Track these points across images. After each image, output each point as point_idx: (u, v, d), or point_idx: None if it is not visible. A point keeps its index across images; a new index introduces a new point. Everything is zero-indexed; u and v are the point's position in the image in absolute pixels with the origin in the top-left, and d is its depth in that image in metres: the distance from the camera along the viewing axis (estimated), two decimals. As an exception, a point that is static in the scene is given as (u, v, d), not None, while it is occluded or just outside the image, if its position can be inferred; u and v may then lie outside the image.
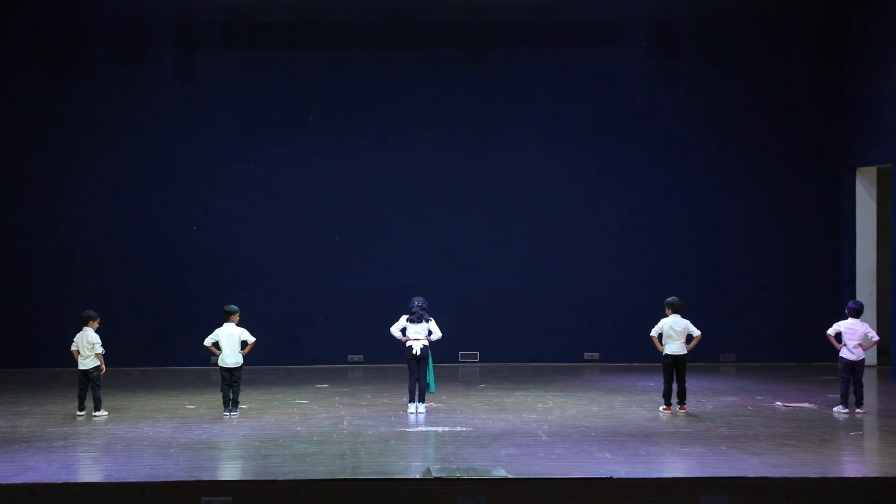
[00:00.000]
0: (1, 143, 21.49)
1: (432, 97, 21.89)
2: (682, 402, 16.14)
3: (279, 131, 21.74)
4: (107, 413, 16.08)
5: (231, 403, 16.07)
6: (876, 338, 16.59)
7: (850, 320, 16.29)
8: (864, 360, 16.37)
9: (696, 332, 16.22)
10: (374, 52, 21.89)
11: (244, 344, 16.18)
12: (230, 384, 16.07)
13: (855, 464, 13.31)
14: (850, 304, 16.65)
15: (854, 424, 15.39)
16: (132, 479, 11.86)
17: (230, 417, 15.86)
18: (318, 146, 21.81)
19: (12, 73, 21.49)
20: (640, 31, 21.95)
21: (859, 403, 16.21)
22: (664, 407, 16.19)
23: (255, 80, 21.77)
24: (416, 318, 16.18)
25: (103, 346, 16.23)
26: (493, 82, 21.93)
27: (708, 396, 17.62)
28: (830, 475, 12.35)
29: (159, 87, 21.64)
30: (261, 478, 12.15)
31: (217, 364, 16.34)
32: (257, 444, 14.03)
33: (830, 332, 16.35)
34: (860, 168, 21.46)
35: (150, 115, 21.61)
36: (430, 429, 15.03)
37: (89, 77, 21.52)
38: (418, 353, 16.11)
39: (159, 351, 21.43)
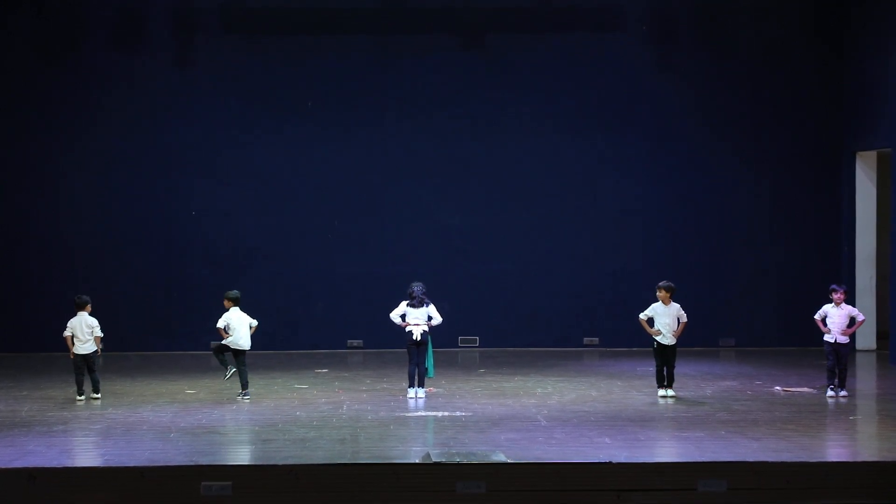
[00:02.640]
0: (-1, 128, 21.51)
1: (431, 83, 21.85)
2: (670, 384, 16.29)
3: (278, 117, 21.71)
4: (100, 396, 16.11)
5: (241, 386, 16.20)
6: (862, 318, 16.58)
7: (847, 306, 16.28)
8: None
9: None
10: (373, 38, 21.85)
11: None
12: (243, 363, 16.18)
13: (854, 448, 13.32)
14: (843, 287, 16.56)
15: (853, 409, 15.41)
16: (132, 464, 11.86)
17: (241, 400, 15.97)
18: (316, 132, 21.78)
19: (10, 59, 21.45)
20: (639, 17, 21.91)
21: (841, 386, 16.22)
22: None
23: (253, 65, 21.74)
24: (416, 304, 16.19)
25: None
26: (491, 68, 21.90)
27: (707, 381, 17.64)
28: (829, 460, 12.37)
29: (157, 72, 21.62)
30: (261, 462, 12.16)
31: (224, 345, 16.29)
32: (257, 428, 14.04)
33: (859, 318, 16.36)
34: (860, 153, 21.45)
35: (148, 100, 21.59)
36: (429, 414, 15.04)
37: (87, 63, 21.49)
38: (418, 338, 16.11)
39: (158, 336, 21.42)
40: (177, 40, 21.72)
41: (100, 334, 16.14)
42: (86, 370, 16.11)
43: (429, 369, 16.45)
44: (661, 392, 16.19)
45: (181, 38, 21.73)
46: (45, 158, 21.45)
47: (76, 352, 16.09)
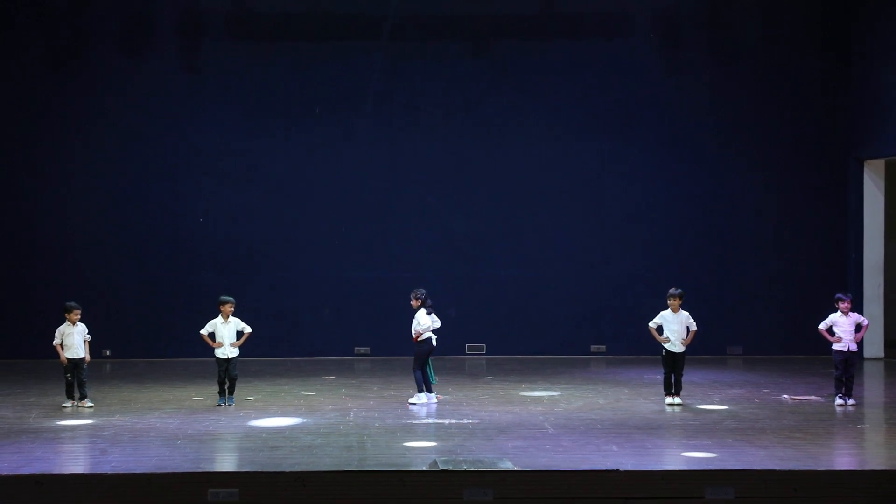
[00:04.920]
0: (7, 134, 21.55)
1: (438, 89, 21.89)
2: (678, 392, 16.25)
3: (285, 122, 21.76)
4: (72, 405, 16.06)
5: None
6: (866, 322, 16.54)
7: (853, 314, 16.24)
8: None
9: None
10: (381, 44, 21.88)
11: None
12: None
13: (861, 457, 13.28)
14: (849, 295, 16.51)
15: (861, 417, 15.37)
16: (139, 471, 11.86)
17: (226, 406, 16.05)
18: (323, 137, 21.82)
19: (18, 63, 21.52)
20: (647, 23, 21.93)
21: (848, 394, 16.18)
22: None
23: (260, 70, 21.79)
24: (431, 311, 16.25)
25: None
26: (498, 74, 21.93)
27: (714, 389, 17.61)
28: (837, 468, 12.34)
29: (164, 77, 21.68)
30: (268, 469, 12.14)
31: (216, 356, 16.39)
32: (264, 435, 14.03)
33: (865, 323, 16.35)
34: (868, 160, 21.43)
35: (154, 105, 21.65)
36: (436, 421, 15.03)
37: (94, 67, 21.56)
38: (435, 344, 16.23)
39: (166, 342, 21.46)
40: (184, 46, 21.78)
41: (88, 338, 16.20)
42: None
43: (430, 375, 16.47)
44: (669, 400, 16.17)
45: (188, 43, 21.78)
46: (51, 163, 21.51)
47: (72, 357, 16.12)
